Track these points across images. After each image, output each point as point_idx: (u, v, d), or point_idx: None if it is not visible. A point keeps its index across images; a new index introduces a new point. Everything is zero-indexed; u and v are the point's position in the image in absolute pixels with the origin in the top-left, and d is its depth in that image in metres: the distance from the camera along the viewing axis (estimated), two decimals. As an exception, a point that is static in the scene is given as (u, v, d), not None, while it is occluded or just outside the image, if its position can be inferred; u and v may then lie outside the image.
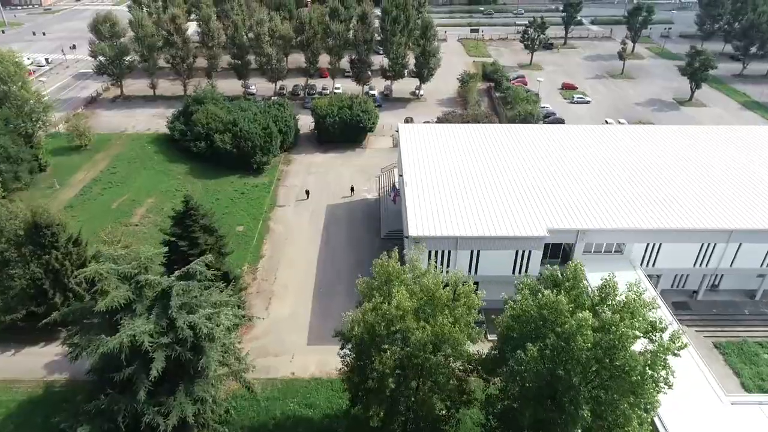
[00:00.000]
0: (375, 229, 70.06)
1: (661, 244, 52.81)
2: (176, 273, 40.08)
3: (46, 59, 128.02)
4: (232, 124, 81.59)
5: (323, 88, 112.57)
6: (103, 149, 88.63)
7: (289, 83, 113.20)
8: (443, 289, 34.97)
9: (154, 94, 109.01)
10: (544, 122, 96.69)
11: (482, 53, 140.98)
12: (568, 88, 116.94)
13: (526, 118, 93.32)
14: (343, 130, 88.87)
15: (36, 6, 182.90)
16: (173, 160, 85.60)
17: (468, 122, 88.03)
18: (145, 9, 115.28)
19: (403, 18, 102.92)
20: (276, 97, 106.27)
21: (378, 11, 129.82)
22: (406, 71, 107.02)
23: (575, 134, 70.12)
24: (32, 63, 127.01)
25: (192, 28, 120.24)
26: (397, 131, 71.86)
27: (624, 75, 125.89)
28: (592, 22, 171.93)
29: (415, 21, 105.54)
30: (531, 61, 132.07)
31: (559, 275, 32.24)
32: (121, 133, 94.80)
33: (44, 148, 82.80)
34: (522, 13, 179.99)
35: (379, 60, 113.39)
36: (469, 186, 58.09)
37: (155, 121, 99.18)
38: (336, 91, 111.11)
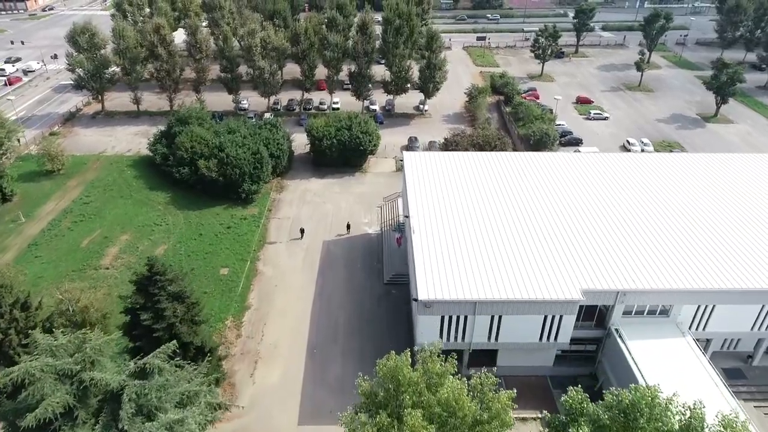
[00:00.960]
0: (377, 271, 62.08)
1: (714, 305, 44.84)
2: (130, 367, 32.26)
3: (24, 71, 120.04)
4: (218, 148, 73.62)
5: (320, 103, 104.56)
6: (78, 174, 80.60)
7: (284, 96, 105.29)
8: (469, 401, 27.08)
9: (137, 110, 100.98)
10: (561, 142, 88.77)
11: (489, 62, 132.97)
12: (583, 102, 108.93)
13: (542, 138, 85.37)
14: (342, 153, 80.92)
15: (21, 11, 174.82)
16: (154, 186, 77.58)
17: (478, 144, 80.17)
18: (130, 17, 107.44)
19: (407, 28, 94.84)
20: (269, 113, 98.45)
21: (378, 16, 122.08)
22: (409, 85, 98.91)
23: (604, 165, 62.12)
24: (17, 70, 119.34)
25: (181, 35, 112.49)
26: (401, 160, 63.89)
27: (642, 87, 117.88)
28: (603, 28, 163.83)
29: (419, 31, 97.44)
30: (542, 71, 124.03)
31: (625, 402, 24.10)
32: (99, 154, 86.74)
33: (9, 176, 74.73)
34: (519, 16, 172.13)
35: (381, 71, 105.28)
36: (487, 234, 50.09)
37: (137, 140, 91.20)
38: (334, 105, 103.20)
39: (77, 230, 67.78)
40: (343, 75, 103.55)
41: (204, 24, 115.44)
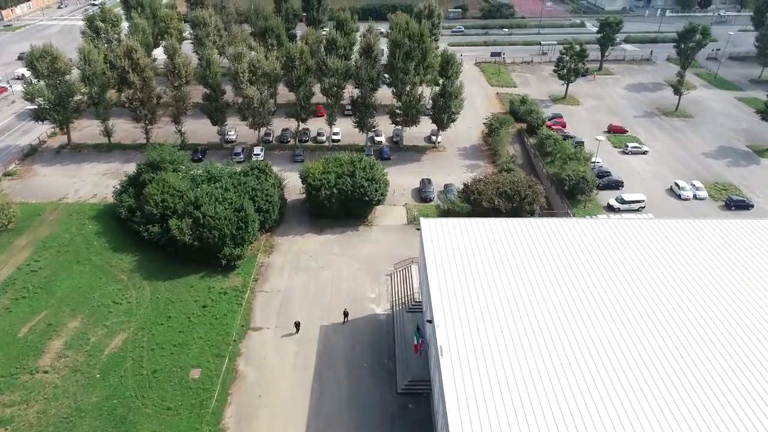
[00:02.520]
0: (388, 373, 49.33)
1: None
2: None
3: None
4: (193, 205, 60.80)
5: (319, 134, 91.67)
6: (29, 229, 67.74)
7: (277, 125, 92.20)
8: None
9: (108, 143, 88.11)
10: (599, 185, 75.82)
11: (506, 81, 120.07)
12: (616, 131, 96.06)
13: (578, 183, 72.53)
14: (343, 204, 68.17)
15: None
16: (118, 247, 64.74)
17: (505, 194, 67.42)
18: (103, 35, 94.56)
19: (419, 51, 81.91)
20: (260, 147, 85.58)
21: (382, 27, 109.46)
22: (422, 117, 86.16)
23: (671, 237, 49.26)
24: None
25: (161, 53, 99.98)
26: (418, 228, 51.09)
27: (679, 113, 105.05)
28: (625, 41, 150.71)
29: (432, 54, 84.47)
30: (566, 93, 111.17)
31: None
32: (58, 202, 73.89)
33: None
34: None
35: (387, 93, 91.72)
36: (534, 343, 37.41)
37: (105, 182, 78.38)
38: (334, 137, 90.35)
39: (16, 312, 54.86)
40: (345, 95, 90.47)
41: (189, 40, 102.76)
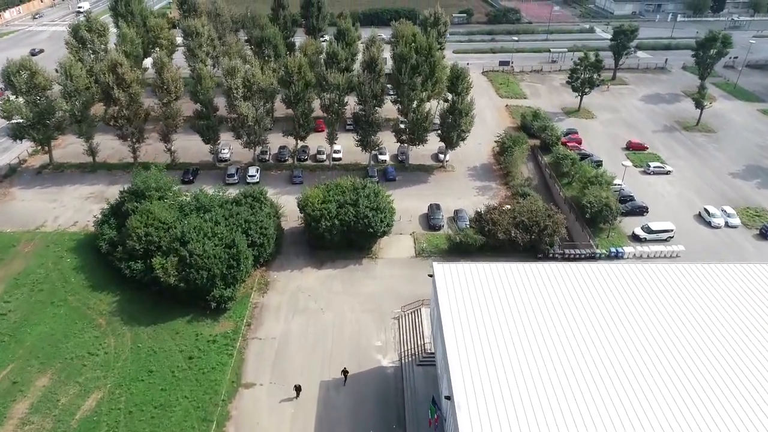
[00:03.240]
0: (397, 441, 43.47)
1: None
2: None
3: None
4: (179, 241, 54.90)
5: (318, 152, 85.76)
6: (2, 263, 61.81)
7: (274, 141, 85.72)
8: None
9: (93, 162, 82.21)
10: (623, 211, 69.86)
11: (515, 93, 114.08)
12: (636, 148, 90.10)
13: (601, 211, 66.65)
14: (345, 235, 62.31)
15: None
16: (98, 285, 58.82)
17: (523, 224, 61.64)
18: (89, 46, 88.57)
19: (427, 66, 75.96)
20: (255, 167, 79.68)
21: (384, 33, 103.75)
22: (429, 134, 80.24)
23: (705, 287, 43.34)
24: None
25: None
26: (431, 275, 45.20)
27: (700, 127, 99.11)
28: (638, 47, 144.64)
29: (441, 68, 78.39)
30: (580, 106, 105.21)
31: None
32: (35, 230, 67.95)
33: None
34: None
35: (390, 105, 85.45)
36: (579, 420, 31.61)
37: (88, 207, 72.51)
38: (335, 155, 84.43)
39: (-20, 365, 49.09)
40: (347, 107, 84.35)
41: (182, 48, 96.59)
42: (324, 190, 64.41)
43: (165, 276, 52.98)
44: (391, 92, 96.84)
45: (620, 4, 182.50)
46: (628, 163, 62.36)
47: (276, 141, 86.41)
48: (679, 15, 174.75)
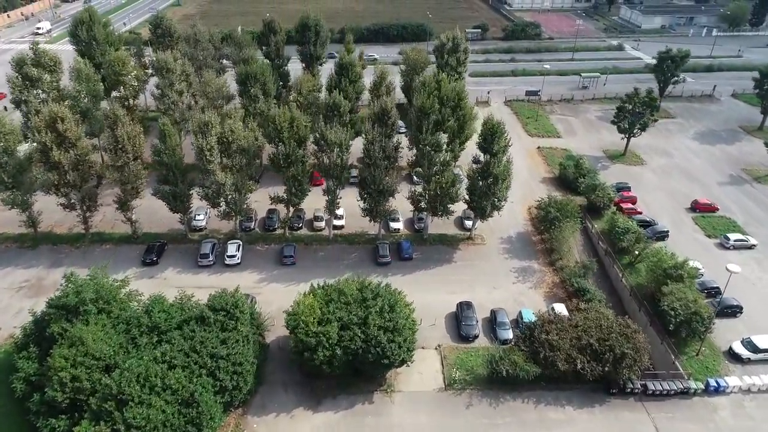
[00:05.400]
0: None
1: None
2: None
3: None
4: (114, 400, 38.51)
5: (316, 218, 69.35)
6: None
7: (262, 197, 68.56)
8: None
9: (34, 234, 65.92)
10: (715, 315, 53.31)
11: (546, 129, 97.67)
12: (703, 210, 73.67)
13: (689, 321, 50.32)
14: (350, 364, 45.99)
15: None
16: (9, 442, 42.62)
17: (590, 348, 45.45)
18: (32, 97, 71.57)
19: (454, 121, 59.45)
20: (235, 245, 63.34)
21: (390, 52, 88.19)
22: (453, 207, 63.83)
23: None
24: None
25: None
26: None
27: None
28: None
29: (471, 121, 61.80)
30: (626, 149, 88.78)
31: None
32: (-60, 344, 51.70)
33: None
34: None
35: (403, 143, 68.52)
36: None
37: (18, 304, 56.29)
38: (337, 222, 68.11)
39: None
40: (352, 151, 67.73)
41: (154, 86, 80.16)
42: (321, 297, 47.97)
43: (93, 454, 36.72)
44: (403, 129, 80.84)
45: (648, 18, 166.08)
46: (736, 267, 45.87)
47: (263, 197, 68.78)
48: (714, 29, 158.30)
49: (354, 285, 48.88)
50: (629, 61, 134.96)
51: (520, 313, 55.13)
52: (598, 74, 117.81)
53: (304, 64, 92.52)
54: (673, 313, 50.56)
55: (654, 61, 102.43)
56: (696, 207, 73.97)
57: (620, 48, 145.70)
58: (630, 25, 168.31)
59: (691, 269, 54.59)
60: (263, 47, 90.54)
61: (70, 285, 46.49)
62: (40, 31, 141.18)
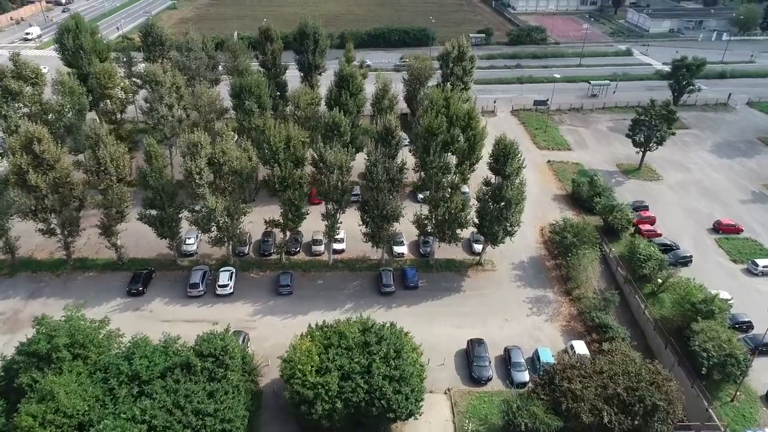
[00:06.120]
0: None
1: None
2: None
3: None
4: (86, 470, 34.12)
5: (314, 242, 64.78)
6: None
7: (257, 218, 63.83)
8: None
9: (12, 260, 61.41)
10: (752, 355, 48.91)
11: (556, 141, 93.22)
12: (727, 231, 69.29)
13: (724, 364, 45.96)
14: (352, 417, 41.52)
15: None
16: None
17: (618, 398, 41.01)
18: (19, 99, 67.65)
19: (465, 142, 54.99)
20: (228, 273, 58.94)
21: (390, 57, 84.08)
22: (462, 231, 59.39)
23: None
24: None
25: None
26: None
27: (799, 194, 78.56)
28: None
29: (482, 140, 57.32)
30: (641, 163, 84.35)
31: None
32: None
33: None
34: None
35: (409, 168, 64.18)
36: None
37: (-10, 342, 51.84)
38: (337, 246, 63.64)
39: None
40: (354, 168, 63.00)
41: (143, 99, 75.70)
42: (320, 340, 43.50)
43: None
44: (406, 141, 76.30)
45: (656, 21, 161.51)
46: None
47: (259, 216, 64.10)
48: (724, 34, 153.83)
49: (356, 326, 44.39)
50: (638, 66, 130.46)
51: (536, 351, 50.69)
52: (607, 82, 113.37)
53: (302, 74, 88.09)
54: (705, 355, 46.19)
55: (665, 67, 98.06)
56: (719, 228, 69.57)
57: (628, 53, 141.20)
58: (637, 29, 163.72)
59: (722, 303, 50.12)
60: (259, 56, 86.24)
61: (41, 330, 41.97)
62: (29, 37, 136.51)
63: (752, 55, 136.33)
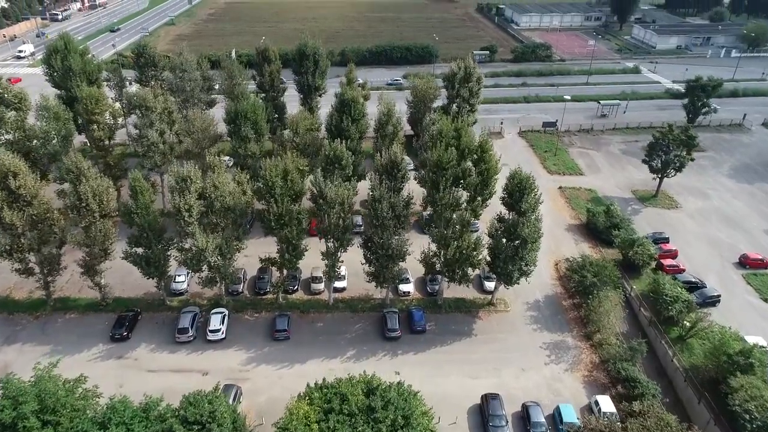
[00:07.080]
0: None
1: None
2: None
3: None
4: None
5: (313, 279, 60.24)
6: None
7: (252, 251, 59.70)
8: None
9: (-11, 301, 57.10)
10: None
11: (567, 165, 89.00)
12: (754, 266, 64.85)
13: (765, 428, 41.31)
14: (356, 492, 36.87)
15: None
16: None
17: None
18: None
19: (476, 176, 50.81)
20: (220, 316, 54.40)
21: (392, 74, 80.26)
22: (476, 268, 54.88)
23: None
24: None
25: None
26: None
27: (827, 224, 74.19)
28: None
29: (494, 173, 53.13)
30: (658, 190, 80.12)
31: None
32: None
33: None
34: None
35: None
36: None
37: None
38: (337, 285, 59.04)
39: None
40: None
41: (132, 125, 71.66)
42: (319, 403, 38.87)
43: None
44: (411, 167, 72.09)
45: (663, 38, 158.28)
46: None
47: (253, 251, 60.04)
48: (733, 50, 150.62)
49: (359, 386, 39.79)
50: (647, 84, 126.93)
51: (557, 409, 46.04)
52: (618, 101, 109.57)
53: (301, 95, 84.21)
54: (747, 417, 41.57)
55: (675, 86, 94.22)
56: (746, 262, 65.13)
57: (636, 70, 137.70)
58: (644, 45, 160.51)
59: (762, 356, 45.60)
60: (256, 77, 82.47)
61: (6, 394, 37.40)
62: (22, 54, 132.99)
63: (764, 73, 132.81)
